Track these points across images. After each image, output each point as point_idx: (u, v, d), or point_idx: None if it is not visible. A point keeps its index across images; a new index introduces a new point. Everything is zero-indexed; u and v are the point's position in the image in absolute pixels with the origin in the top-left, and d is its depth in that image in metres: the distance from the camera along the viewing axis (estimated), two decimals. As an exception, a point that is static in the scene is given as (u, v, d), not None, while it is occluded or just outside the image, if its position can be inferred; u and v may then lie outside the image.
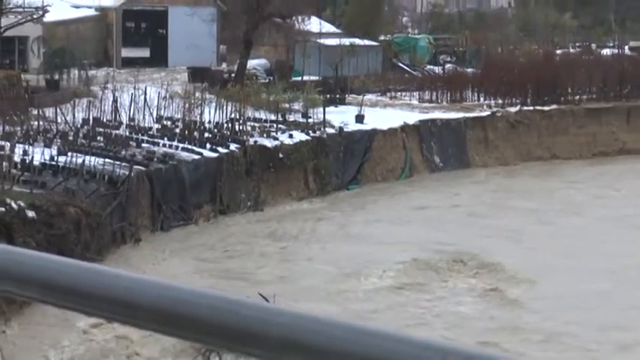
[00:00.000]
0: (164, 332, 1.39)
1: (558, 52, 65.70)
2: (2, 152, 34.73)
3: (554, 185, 45.74)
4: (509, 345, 25.10)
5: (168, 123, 43.36)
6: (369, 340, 1.39)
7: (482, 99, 54.52)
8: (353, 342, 1.39)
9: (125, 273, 1.44)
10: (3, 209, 28.54)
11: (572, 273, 31.46)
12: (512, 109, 52.60)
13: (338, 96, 51.57)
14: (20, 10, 50.26)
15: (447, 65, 64.18)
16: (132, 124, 42.84)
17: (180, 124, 43.22)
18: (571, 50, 70.15)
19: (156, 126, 43.01)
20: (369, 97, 52.38)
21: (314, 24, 62.04)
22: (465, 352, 1.36)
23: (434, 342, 1.43)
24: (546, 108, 53.08)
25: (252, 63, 56.19)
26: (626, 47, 72.48)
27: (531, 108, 52.88)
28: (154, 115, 44.33)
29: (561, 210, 40.99)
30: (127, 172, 34.78)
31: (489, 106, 53.10)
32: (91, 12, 62.65)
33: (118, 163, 35.66)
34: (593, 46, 72.44)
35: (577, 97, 55.00)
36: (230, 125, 43.58)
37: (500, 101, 53.46)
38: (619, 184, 46.12)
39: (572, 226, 38.05)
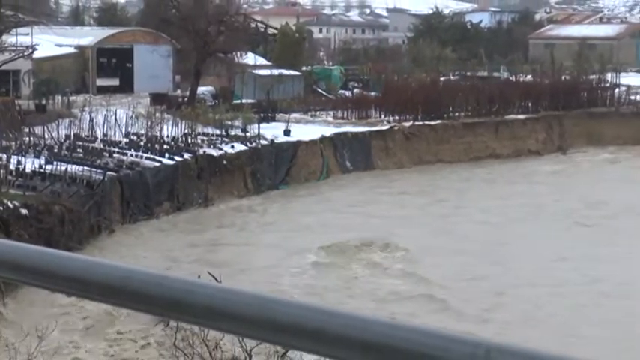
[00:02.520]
0: (115, 305, 1.35)
1: (442, 78, 66.24)
2: (0, 162, 34.57)
3: (440, 182, 46.31)
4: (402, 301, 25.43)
5: (135, 137, 43.15)
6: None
7: (383, 116, 54.72)
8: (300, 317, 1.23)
9: (81, 256, 1.39)
10: (1, 208, 28.48)
11: (450, 248, 31.98)
12: (407, 124, 52.92)
13: (269, 115, 51.57)
14: (14, 48, 50.04)
15: (355, 90, 64.39)
16: (105, 138, 42.63)
17: (143, 138, 43.02)
18: (451, 77, 70.68)
19: (124, 140, 42.83)
20: (294, 115, 52.42)
21: (249, 58, 62.11)
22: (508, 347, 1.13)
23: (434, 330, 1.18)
24: (433, 123, 53.49)
25: (201, 89, 56.05)
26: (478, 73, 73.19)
27: (421, 123, 53.21)
28: (123, 131, 44.19)
29: (445, 200, 41.60)
30: (102, 177, 34.68)
31: (388, 122, 53.38)
32: (72, 50, 62.13)
33: (94, 170, 35.61)
34: (469, 73, 73.06)
35: (457, 114, 55.50)
36: (184, 139, 43.57)
37: (397, 118, 53.73)
38: (489, 178, 46.90)
39: (454, 213, 38.66)
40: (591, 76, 66.51)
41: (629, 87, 65.08)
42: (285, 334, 1.14)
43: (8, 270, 1.42)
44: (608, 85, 65.24)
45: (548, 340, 21.91)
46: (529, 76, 67.50)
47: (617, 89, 64.40)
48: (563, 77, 66.17)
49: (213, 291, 1.22)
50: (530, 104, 58.86)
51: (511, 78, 68.47)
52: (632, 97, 63.54)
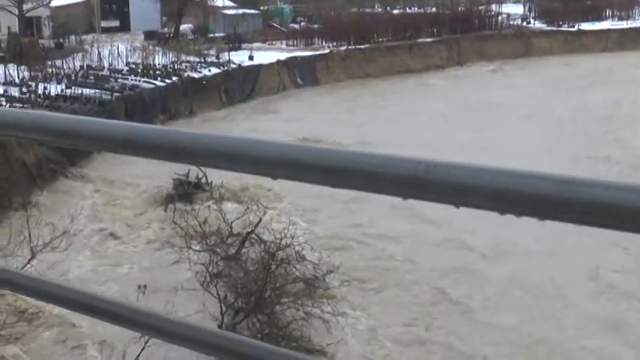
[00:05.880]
0: (131, 154, 1.23)
1: (368, 11, 65.69)
2: (31, 88, 34.17)
3: (370, 91, 46.38)
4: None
5: (133, 66, 42.54)
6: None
7: (324, 43, 54.31)
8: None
9: (101, 119, 1.29)
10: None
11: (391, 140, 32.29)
12: (342, 49, 52.59)
13: (236, 44, 50.97)
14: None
15: (302, 23, 63.71)
16: (110, 67, 42.00)
17: (140, 66, 42.49)
18: (376, 10, 69.99)
19: (126, 68, 42.18)
20: (255, 44, 51.89)
21: (219, 1, 61.03)
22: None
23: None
24: (362, 47, 53.12)
25: (183, 27, 55.13)
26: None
27: (353, 47, 52.86)
28: (124, 61, 43.54)
29: (374, 105, 41.81)
30: (110, 97, 34.37)
31: (328, 47, 52.95)
32: (81, -1, 60.84)
33: (103, 92, 35.23)
34: (388, 7, 72.37)
35: (380, 39, 55.24)
36: (172, 65, 43.02)
37: (335, 44, 53.35)
38: (406, 88, 47.16)
39: (390, 112, 38.90)
40: (480, 7, 66.50)
41: (508, 15, 65.32)
42: (268, 166, 1.08)
43: (38, 133, 1.34)
44: (493, 13, 65.28)
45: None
46: (434, 9, 67.14)
47: (500, 17, 64.42)
48: (459, 9, 66.19)
49: (209, 139, 1.14)
50: (435, 30, 58.64)
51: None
52: (512, 22, 63.82)
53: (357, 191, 1.04)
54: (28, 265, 14.13)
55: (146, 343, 11.67)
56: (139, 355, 11.98)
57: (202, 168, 25.56)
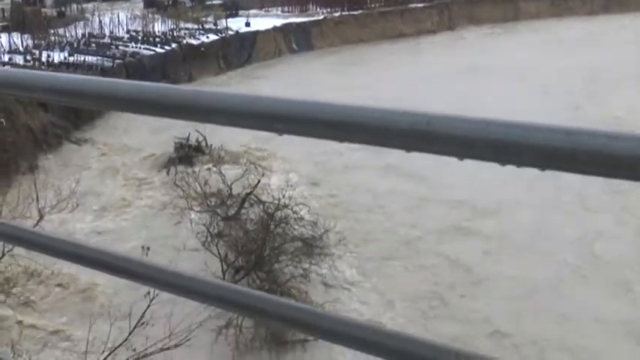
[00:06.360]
0: (136, 112, 1.20)
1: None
2: (35, 55, 33.93)
3: (363, 56, 46.14)
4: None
5: (134, 33, 42.13)
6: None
7: (318, 9, 53.87)
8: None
9: (105, 79, 1.28)
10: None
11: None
12: (336, 14, 52.18)
13: (233, 11, 50.53)
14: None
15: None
16: (111, 35, 41.60)
17: (140, 33, 42.11)
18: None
19: (126, 35, 41.79)
20: (252, 11, 51.47)
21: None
22: None
23: None
24: (355, 12, 52.65)
25: (181, -5, 54.69)
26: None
27: (347, 13, 52.40)
28: (125, 29, 43.12)
29: (366, 69, 41.62)
30: (111, 64, 34.13)
31: (323, 13, 52.58)
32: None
33: (105, 59, 34.94)
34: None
35: (372, 5, 54.75)
36: (171, 33, 42.64)
37: (329, 10, 52.88)
38: (398, 52, 46.90)
39: (383, 75, 38.66)
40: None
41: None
42: (273, 122, 1.07)
43: (47, 93, 1.31)
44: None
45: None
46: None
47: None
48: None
49: (211, 95, 1.13)
50: (426, -5, 58.31)
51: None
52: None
53: (363, 145, 1.02)
54: (37, 226, 14.15)
55: (152, 300, 11.76)
56: (145, 311, 12.08)
57: (202, 131, 25.55)
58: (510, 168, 0.97)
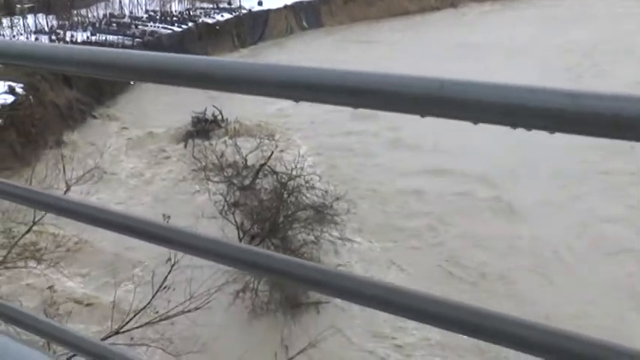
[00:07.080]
0: (157, 82, 1.18)
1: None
2: (60, 35, 33.83)
3: (371, 32, 45.74)
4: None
5: (152, 13, 41.99)
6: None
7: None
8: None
9: (128, 50, 1.24)
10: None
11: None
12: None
13: (247, -8, 50.21)
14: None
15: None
16: (131, 15, 41.50)
17: (159, 13, 41.93)
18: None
19: (145, 15, 41.67)
20: (264, -9, 51.13)
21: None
22: None
23: None
24: (363, -9, 52.29)
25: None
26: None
27: (355, -9, 52.03)
28: (144, 9, 42.96)
29: (379, 42, 41.32)
30: (131, 43, 34.02)
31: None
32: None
33: (125, 37, 34.86)
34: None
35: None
36: (188, 12, 42.46)
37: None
38: (403, 29, 46.49)
39: (389, 52, 38.34)
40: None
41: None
42: (291, 89, 1.04)
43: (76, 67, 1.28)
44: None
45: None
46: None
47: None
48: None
49: (230, 64, 1.10)
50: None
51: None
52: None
53: (376, 110, 0.99)
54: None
55: (173, 265, 11.82)
56: (167, 275, 12.17)
57: (218, 106, 25.49)
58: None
